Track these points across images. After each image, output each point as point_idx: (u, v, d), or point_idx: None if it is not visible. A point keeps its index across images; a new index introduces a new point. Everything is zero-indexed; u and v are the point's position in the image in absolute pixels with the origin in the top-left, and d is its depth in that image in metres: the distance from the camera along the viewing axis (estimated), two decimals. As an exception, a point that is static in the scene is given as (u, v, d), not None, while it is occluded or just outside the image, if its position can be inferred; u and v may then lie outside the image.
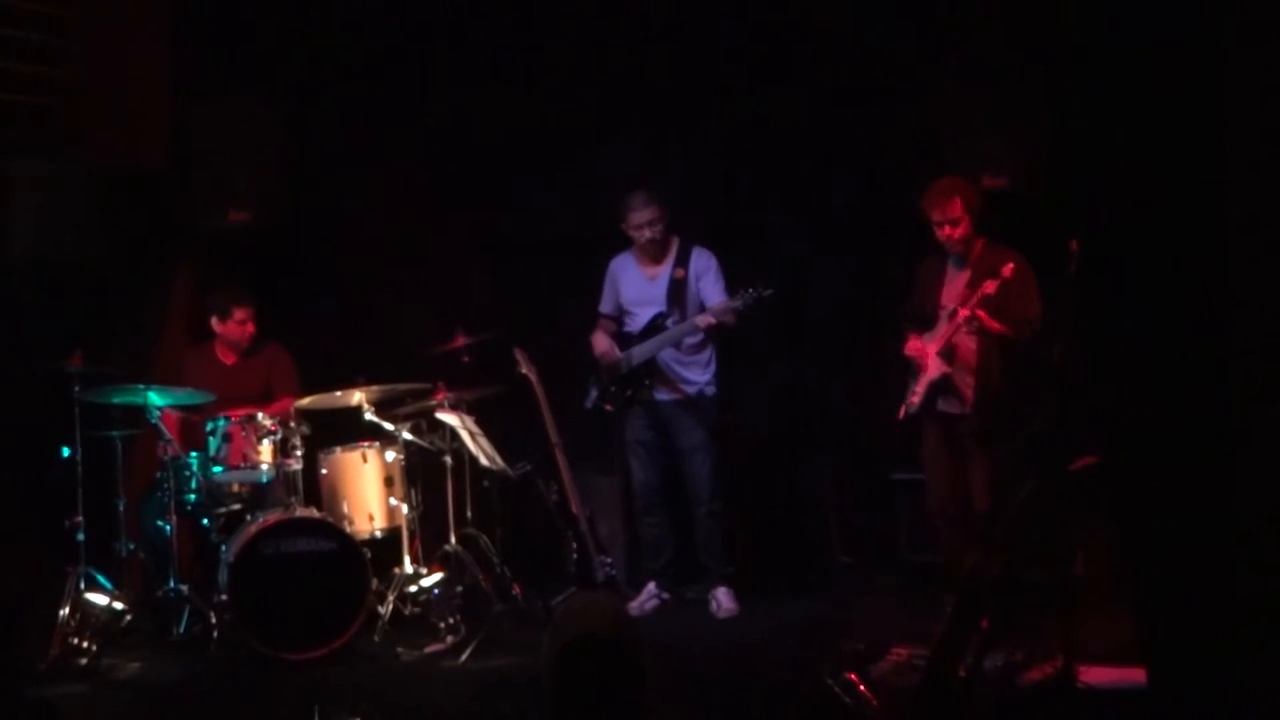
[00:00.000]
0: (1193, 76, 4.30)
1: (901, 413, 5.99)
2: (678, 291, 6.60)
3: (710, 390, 6.65)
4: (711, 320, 6.43)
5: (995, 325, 5.77)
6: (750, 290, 6.35)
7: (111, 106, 6.52)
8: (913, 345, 5.97)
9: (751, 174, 7.55)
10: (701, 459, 6.61)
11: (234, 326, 6.73)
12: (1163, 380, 4.42)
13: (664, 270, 6.65)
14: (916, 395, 5.95)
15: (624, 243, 6.77)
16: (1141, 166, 4.42)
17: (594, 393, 6.75)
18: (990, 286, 5.71)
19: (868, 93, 7.31)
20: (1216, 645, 4.28)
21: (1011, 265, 5.74)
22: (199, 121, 6.92)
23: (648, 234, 6.55)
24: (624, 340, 6.71)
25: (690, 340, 6.58)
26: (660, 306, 6.61)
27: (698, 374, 6.64)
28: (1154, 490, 4.47)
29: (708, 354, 6.65)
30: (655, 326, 6.61)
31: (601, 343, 6.72)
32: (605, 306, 6.82)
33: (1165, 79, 4.38)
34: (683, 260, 6.62)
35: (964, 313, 5.76)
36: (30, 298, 6.59)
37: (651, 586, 6.72)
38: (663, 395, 6.62)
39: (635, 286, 6.71)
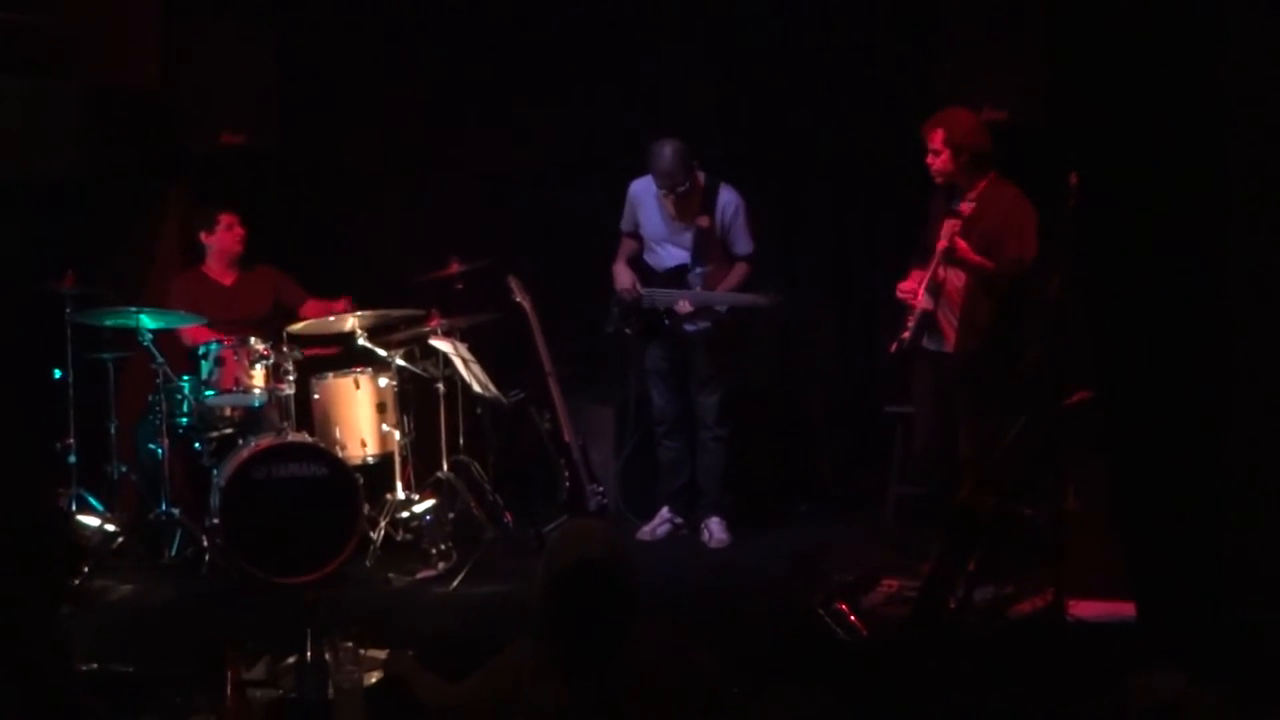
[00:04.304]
0: (1193, 8, 4.26)
1: (893, 347, 5.92)
2: (703, 241, 6.45)
3: (729, 321, 6.60)
4: (762, 303, 6.36)
5: (975, 258, 5.65)
6: (773, 292, 6.34)
7: (101, 24, 6.43)
8: (906, 284, 5.88)
9: (748, 102, 7.49)
10: (714, 387, 6.57)
11: (223, 233, 6.69)
12: (1157, 314, 4.42)
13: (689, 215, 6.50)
14: (908, 331, 5.88)
15: (622, 167, 6.68)
16: (1142, 98, 4.39)
17: (615, 312, 6.64)
18: (953, 226, 5.64)
19: (867, 24, 7.24)
20: (1204, 579, 4.31)
21: (968, 206, 5.67)
22: (190, 41, 6.82)
23: (671, 197, 6.38)
24: (645, 272, 6.58)
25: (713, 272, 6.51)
26: (684, 252, 6.49)
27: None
28: (1146, 426, 4.48)
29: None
30: (679, 278, 6.50)
31: (624, 278, 6.57)
32: (626, 225, 6.66)
33: (1165, 10, 4.33)
34: (709, 204, 6.44)
35: (941, 244, 5.68)
36: (20, 218, 6.53)
37: (665, 511, 6.71)
38: (686, 325, 6.55)
39: (656, 223, 6.55)
